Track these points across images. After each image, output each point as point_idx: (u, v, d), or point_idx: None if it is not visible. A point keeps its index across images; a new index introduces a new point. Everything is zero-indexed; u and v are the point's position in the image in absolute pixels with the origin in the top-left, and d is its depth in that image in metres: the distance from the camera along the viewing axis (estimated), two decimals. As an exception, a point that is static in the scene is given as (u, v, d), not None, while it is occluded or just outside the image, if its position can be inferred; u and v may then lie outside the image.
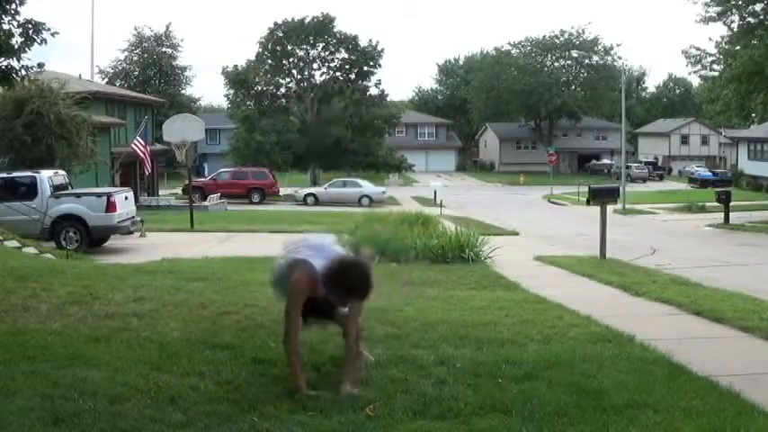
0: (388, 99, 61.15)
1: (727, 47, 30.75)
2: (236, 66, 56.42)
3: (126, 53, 68.71)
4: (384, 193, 43.51)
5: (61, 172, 20.22)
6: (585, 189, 17.45)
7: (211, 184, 42.75)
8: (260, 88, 56.61)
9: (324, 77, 57.42)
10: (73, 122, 24.33)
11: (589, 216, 22.09)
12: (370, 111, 55.92)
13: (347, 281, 4.61)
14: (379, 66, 56.98)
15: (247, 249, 15.88)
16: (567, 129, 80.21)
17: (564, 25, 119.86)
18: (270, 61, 56.38)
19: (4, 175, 19.15)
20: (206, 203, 35.77)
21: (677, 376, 5.38)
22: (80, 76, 40.27)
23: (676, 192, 50.20)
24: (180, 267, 11.67)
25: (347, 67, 56.87)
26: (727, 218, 28.94)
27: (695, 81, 70.91)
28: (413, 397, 4.67)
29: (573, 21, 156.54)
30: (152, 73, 68.05)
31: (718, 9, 29.29)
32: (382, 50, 56.74)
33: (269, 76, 56.52)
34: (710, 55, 32.29)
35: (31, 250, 14.72)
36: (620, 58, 76.75)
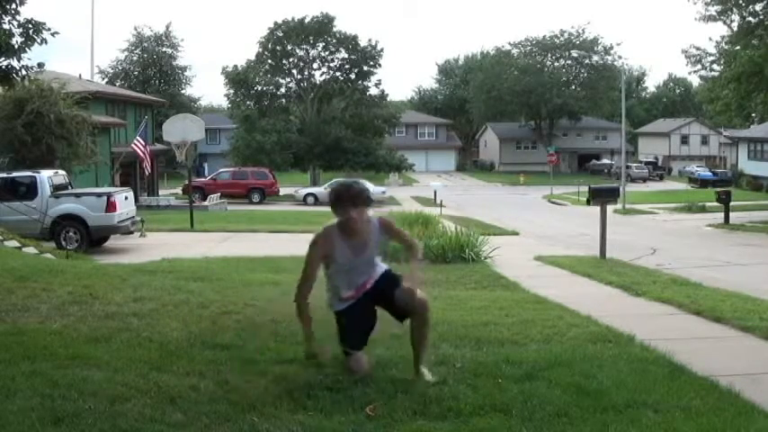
0: (388, 99, 61.10)
1: (727, 47, 30.76)
2: (236, 66, 56.38)
3: (126, 53, 68.79)
4: (384, 192, 43.53)
5: (61, 172, 20.23)
6: (585, 189, 17.46)
7: (211, 184, 42.78)
8: (260, 88, 56.55)
9: (324, 77, 57.39)
10: (73, 122, 24.33)
11: (589, 216, 22.09)
12: (370, 111, 55.89)
13: (341, 194, 5.14)
14: (379, 66, 56.96)
15: (247, 249, 15.92)
16: (567, 129, 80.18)
17: (564, 25, 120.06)
18: (270, 61, 56.33)
19: (4, 175, 19.15)
20: (206, 203, 35.80)
21: (677, 376, 5.37)
22: (80, 76, 40.29)
23: (676, 192, 50.17)
24: (180, 267, 11.68)
25: (347, 67, 56.82)
26: (727, 218, 28.92)
27: (695, 81, 71.23)
28: (413, 397, 4.66)
29: (573, 21, 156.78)
30: (152, 73, 68.05)
31: (719, 8, 29.29)
32: (382, 50, 56.75)
33: (269, 76, 56.50)
34: (710, 55, 32.36)
35: (31, 250, 14.71)
36: (620, 57, 76.91)
